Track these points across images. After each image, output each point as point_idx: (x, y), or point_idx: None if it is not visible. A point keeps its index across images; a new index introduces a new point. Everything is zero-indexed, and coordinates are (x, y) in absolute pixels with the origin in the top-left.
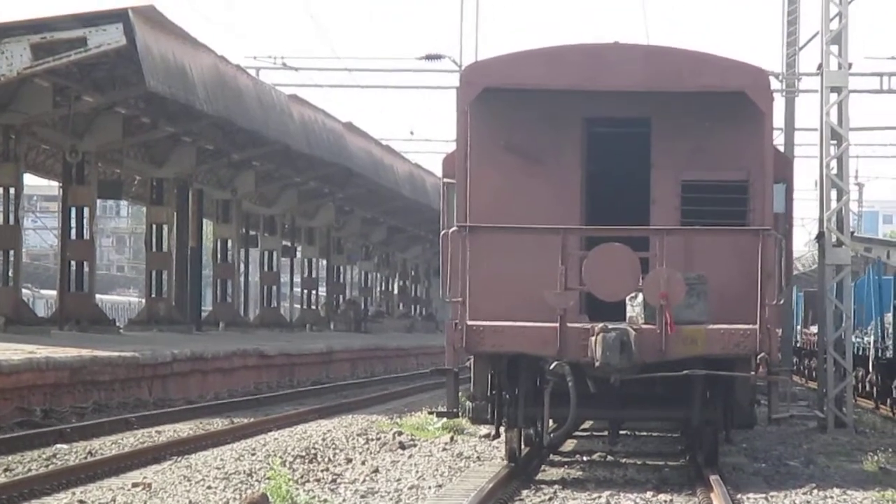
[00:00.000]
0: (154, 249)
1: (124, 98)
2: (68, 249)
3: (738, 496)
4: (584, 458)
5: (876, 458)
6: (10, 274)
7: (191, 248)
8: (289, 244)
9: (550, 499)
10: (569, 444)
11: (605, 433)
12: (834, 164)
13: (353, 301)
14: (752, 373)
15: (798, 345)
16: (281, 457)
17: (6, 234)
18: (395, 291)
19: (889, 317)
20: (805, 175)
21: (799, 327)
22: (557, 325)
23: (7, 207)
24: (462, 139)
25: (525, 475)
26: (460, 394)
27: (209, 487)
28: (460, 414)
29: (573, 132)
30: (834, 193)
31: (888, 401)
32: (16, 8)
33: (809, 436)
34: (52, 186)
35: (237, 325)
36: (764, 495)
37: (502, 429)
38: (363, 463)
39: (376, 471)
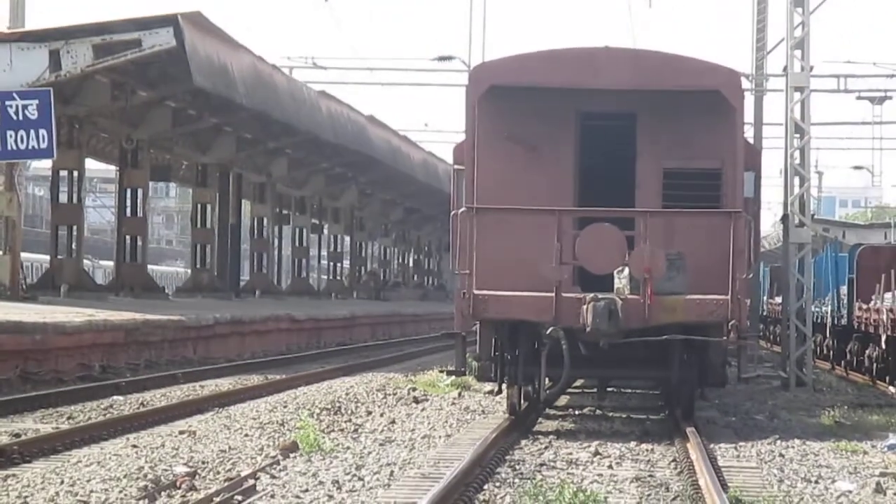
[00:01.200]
0: (199, 226)
1: (173, 93)
2: (124, 225)
3: (711, 446)
4: (576, 412)
5: (832, 413)
6: (74, 247)
7: (231, 225)
8: (317, 222)
9: (546, 447)
10: (562, 400)
11: (595, 390)
12: (797, 154)
13: (373, 272)
14: (724, 338)
15: (764, 313)
16: (309, 409)
17: (70, 212)
18: (411, 264)
19: (844, 289)
20: (772, 164)
21: (765, 298)
22: (553, 294)
23: (71, 188)
24: (470, 131)
25: (524, 427)
26: (467, 355)
27: (246, 435)
28: (467, 372)
29: (568, 125)
30: (797, 180)
31: (842, 362)
32: (80, 13)
33: (773, 393)
34: (110, 170)
35: (271, 293)
36: (734, 445)
37: (504, 386)
38: (381, 415)
39: (393, 422)
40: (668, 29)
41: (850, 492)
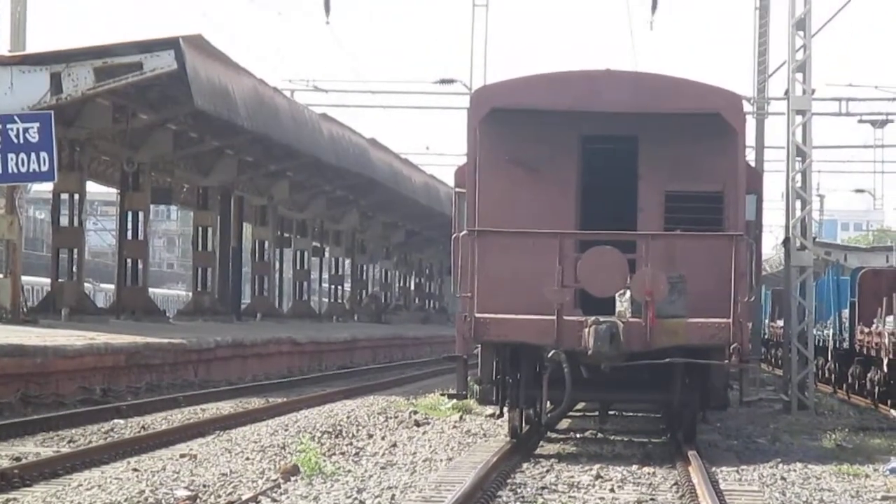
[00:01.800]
0: (200, 249)
1: (175, 115)
2: (125, 248)
3: (713, 469)
4: (578, 436)
5: (834, 436)
6: (75, 270)
7: (232, 248)
8: (318, 245)
9: (548, 471)
10: (564, 423)
11: (596, 413)
12: (798, 177)
13: (374, 295)
14: (726, 361)
15: (766, 336)
16: (310, 432)
17: (71, 235)
18: (412, 287)
19: (846, 312)
20: (773, 187)
21: (767, 321)
22: (555, 317)
23: (72, 211)
24: (472, 153)
25: (525, 450)
26: (469, 378)
27: (247, 458)
28: (469, 396)
29: (570, 148)
30: (798, 204)
31: (844, 386)
32: (81, 35)
33: (775, 416)
34: (111, 193)
35: (272, 316)
36: (735, 468)
37: (506, 409)
38: (383, 438)
39: (394, 445)
40: (669, 51)
41: None
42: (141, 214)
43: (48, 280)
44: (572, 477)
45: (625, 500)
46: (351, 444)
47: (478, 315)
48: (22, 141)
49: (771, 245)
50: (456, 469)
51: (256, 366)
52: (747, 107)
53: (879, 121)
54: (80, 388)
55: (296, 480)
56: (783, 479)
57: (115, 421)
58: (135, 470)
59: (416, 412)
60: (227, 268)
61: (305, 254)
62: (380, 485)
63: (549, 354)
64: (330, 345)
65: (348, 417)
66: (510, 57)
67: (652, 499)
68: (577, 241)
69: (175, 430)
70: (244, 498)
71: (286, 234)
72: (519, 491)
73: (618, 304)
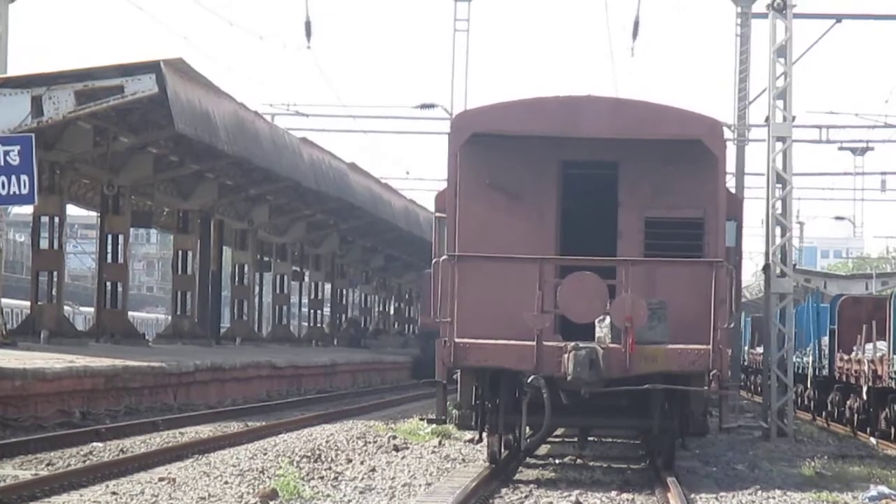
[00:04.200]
0: (180, 272)
1: (155, 139)
2: (105, 271)
3: (692, 496)
4: (557, 461)
5: (813, 463)
6: (54, 292)
7: (212, 272)
8: (298, 269)
9: (527, 496)
10: (543, 449)
11: (576, 439)
12: (779, 204)
13: (354, 320)
14: (706, 387)
15: (745, 363)
16: (289, 456)
17: (51, 258)
18: (392, 312)
19: (825, 340)
20: (753, 214)
21: (746, 348)
22: (535, 343)
23: (52, 234)
24: (452, 178)
25: (504, 475)
26: (448, 403)
27: (226, 482)
28: (448, 421)
29: (550, 173)
30: (778, 230)
31: (824, 413)
32: (63, 58)
33: (755, 443)
34: (91, 216)
35: (252, 340)
36: (715, 495)
37: (485, 434)
38: (362, 463)
39: (373, 470)
40: (650, 77)
41: None
42: (121, 237)
43: (27, 303)
44: (551, 503)
45: None
46: (330, 468)
47: (457, 340)
48: (2, 163)
49: (751, 272)
50: (435, 494)
51: (236, 390)
52: (728, 133)
53: (859, 148)
54: (59, 411)
55: None
56: None
57: (94, 444)
58: (114, 493)
59: (395, 437)
60: (207, 291)
61: (285, 278)
62: None
63: (529, 380)
64: (309, 369)
65: (327, 442)
66: (491, 82)
67: None
68: (557, 267)
69: (154, 454)
70: None
71: (266, 258)
72: None
73: (597, 329)
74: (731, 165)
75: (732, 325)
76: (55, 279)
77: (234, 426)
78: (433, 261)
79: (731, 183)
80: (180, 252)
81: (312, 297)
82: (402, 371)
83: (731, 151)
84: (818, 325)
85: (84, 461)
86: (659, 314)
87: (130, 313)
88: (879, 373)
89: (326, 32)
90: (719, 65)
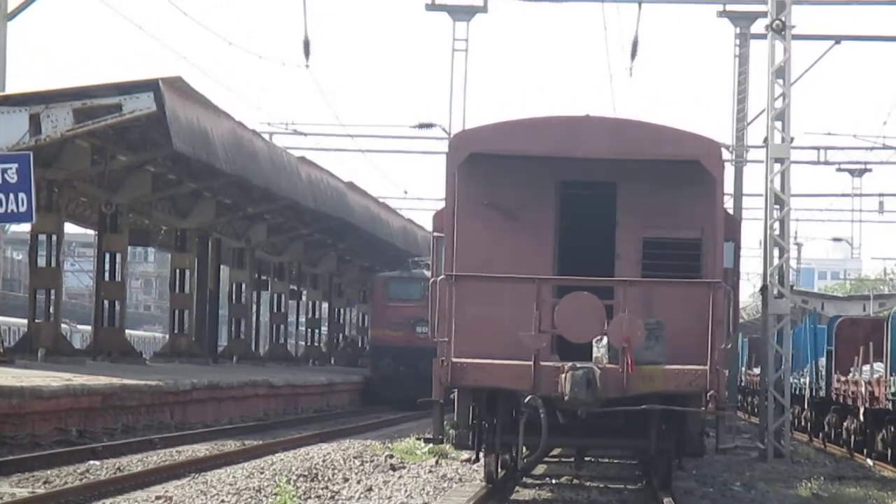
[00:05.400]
0: (177, 291)
1: (153, 157)
2: (102, 290)
3: None
4: (553, 481)
5: (810, 485)
6: (52, 310)
7: (209, 291)
8: (295, 288)
9: None
10: (540, 469)
11: (573, 459)
12: (777, 225)
13: (351, 339)
14: (703, 408)
15: (742, 384)
16: (286, 475)
17: (49, 276)
18: None
19: (822, 361)
20: (751, 235)
21: (744, 368)
22: (532, 363)
23: (50, 252)
24: (450, 198)
25: (501, 495)
26: (445, 422)
27: (223, 501)
28: (445, 440)
29: (548, 193)
30: (776, 251)
31: (820, 434)
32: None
33: (751, 464)
34: (89, 234)
35: (249, 359)
36: None
37: (482, 454)
38: (358, 482)
39: (370, 489)
40: (648, 98)
41: None
42: (118, 256)
43: (25, 321)
44: None
45: None
46: (326, 487)
47: (455, 359)
48: (0, 181)
49: (748, 293)
50: None
51: (232, 408)
52: (726, 154)
53: (857, 170)
54: (57, 429)
55: None
56: None
57: (91, 462)
58: None
59: (391, 456)
60: (204, 310)
61: (282, 297)
62: None
63: (526, 400)
64: (306, 388)
65: (324, 461)
66: (490, 102)
67: None
68: (555, 287)
69: (151, 472)
70: None
71: (263, 277)
72: None
73: (595, 349)
74: (729, 186)
75: (730, 345)
76: (52, 297)
77: (231, 445)
78: (430, 280)
79: (728, 204)
80: (178, 270)
81: (310, 316)
82: None
83: (729, 172)
84: (815, 347)
85: (81, 479)
86: (656, 334)
87: (128, 331)
88: (876, 394)
89: (325, 52)
90: (718, 85)
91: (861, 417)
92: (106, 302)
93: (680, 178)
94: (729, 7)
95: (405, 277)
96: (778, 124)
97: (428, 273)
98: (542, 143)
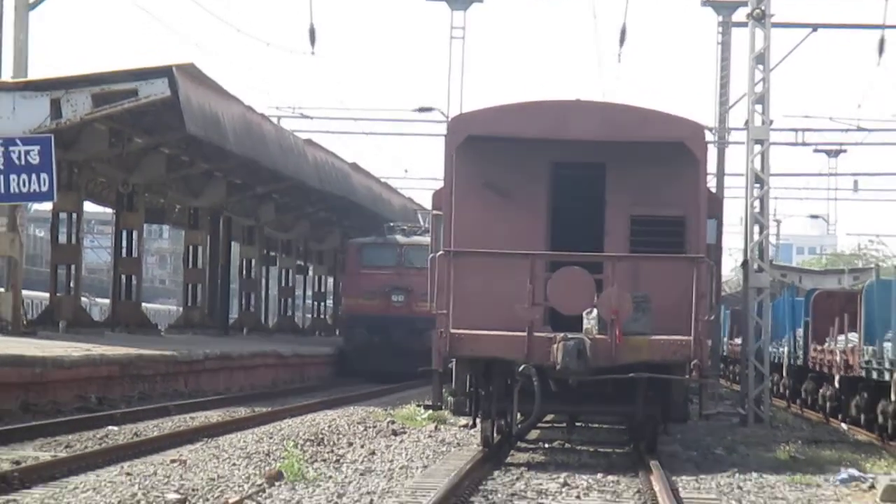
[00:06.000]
0: (190, 266)
1: (168, 140)
2: (119, 265)
3: (673, 478)
4: (546, 445)
5: (787, 448)
6: (72, 285)
7: (221, 266)
8: (302, 264)
9: (518, 478)
10: (533, 434)
11: (564, 425)
12: (757, 203)
13: None
14: (687, 376)
15: (724, 353)
16: (294, 440)
17: (69, 252)
18: None
19: (800, 331)
20: (733, 212)
21: (726, 339)
22: (526, 334)
23: (70, 229)
24: (448, 178)
25: (496, 458)
26: (444, 390)
27: (234, 464)
28: (443, 407)
29: (541, 173)
30: (756, 228)
31: (798, 401)
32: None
33: (733, 429)
34: (107, 212)
35: (258, 331)
36: (694, 478)
37: (478, 420)
38: (362, 446)
39: (373, 453)
40: (636, 82)
41: None
42: (135, 233)
43: (47, 294)
44: (541, 484)
45: None
46: (332, 451)
47: (453, 331)
48: (23, 162)
49: (730, 267)
50: (431, 476)
51: (243, 377)
52: (709, 136)
53: (834, 150)
54: (77, 397)
55: (279, 485)
56: (739, 487)
57: (110, 428)
58: (128, 474)
59: (393, 422)
60: (216, 284)
61: (290, 272)
62: (359, 490)
63: (520, 369)
64: (312, 358)
65: (329, 427)
66: (486, 86)
67: None
68: (548, 262)
69: (166, 437)
70: (231, 501)
71: (272, 253)
72: (490, 497)
73: (585, 321)
74: (712, 166)
75: (713, 317)
76: (73, 272)
77: (242, 412)
78: (430, 256)
79: (711, 183)
80: (191, 247)
81: (316, 290)
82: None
83: (712, 153)
84: (793, 318)
85: (100, 444)
86: (643, 307)
87: (144, 304)
88: (851, 363)
89: (330, 40)
90: (702, 71)
91: (836, 384)
92: (123, 276)
93: (665, 159)
94: None
95: (380, 243)
96: (758, 107)
97: (403, 238)
98: (535, 126)
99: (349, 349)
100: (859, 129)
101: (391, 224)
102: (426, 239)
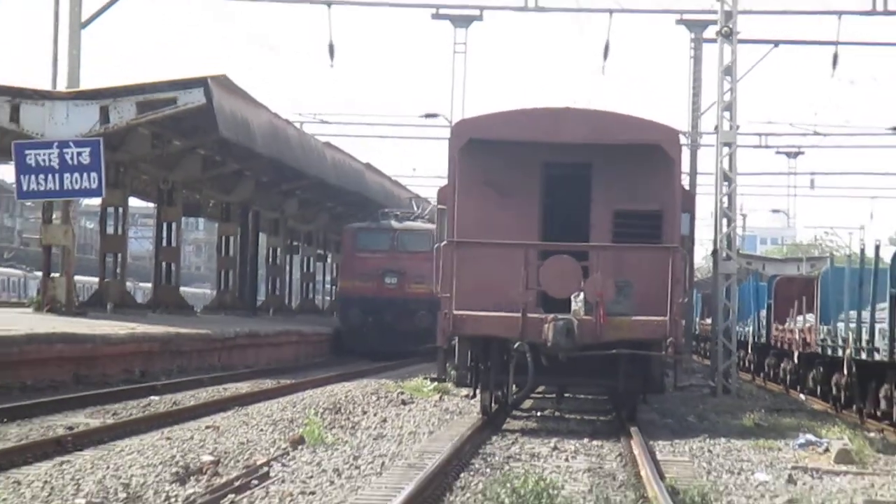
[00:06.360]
0: (223, 254)
1: (203, 142)
2: (160, 254)
3: (651, 443)
4: (538, 414)
5: (752, 416)
6: (118, 271)
7: (250, 254)
8: (322, 252)
9: (513, 443)
10: (527, 403)
11: (554, 395)
12: (725, 199)
13: None
14: (663, 352)
15: (697, 332)
16: (314, 409)
17: (116, 242)
18: None
19: (763, 312)
20: (704, 207)
21: (698, 319)
22: (520, 315)
23: (117, 222)
24: (452, 177)
25: (494, 425)
26: (447, 365)
27: (261, 430)
28: (447, 380)
29: (534, 173)
30: (725, 221)
31: (761, 374)
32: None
33: (704, 399)
34: (149, 207)
35: (283, 312)
36: (670, 442)
37: (478, 391)
38: (375, 414)
39: (385, 420)
40: (618, 91)
41: (767, 482)
42: (174, 225)
43: (96, 279)
44: (533, 448)
45: (577, 468)
46: (348, 418)
47: (455, 312)
48: (76, 163)
49: (702, 256)
50: (436, 440)
51: (269, 353)
52: (683, 139)
53: (793, 152)
54: (123, 370)
55: (302, 449)
56: (709, 451)
57: (151, 398)
58: (167, 438)
59: (402, 393)
60: (246, 270)
61: (311, 259)
62: (372, 453)
63: (515, 346)
64: (331, 336)
65: (346, 397)
66: (486, 94)
67: (600, 467)
68: (540, 251)
69: (201, 406)
70: (259, 462)
71: (295, 243)
72: (489, 459)
73: (573, 304)
74: (685, 166)
75: (686, 300)
76: (119, 260)
77: (268, 383)
78: (435, 246)
79: (685, 181)
80: (224, 237)
81: (334, 275)
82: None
83: (685, 154)
84: (757, 301)
85: (143, 412)
86: (625, 291)
87: (182, 288)
88: (808, 340)
89: (347, 54)
90: (676, 82)
91: (795, 360)
92: (164, 264)
93: (644, 160)
94: (686, 16)
95: (374, 228)
96: (726, 114)
97: (396, 223)
98: (529, 130)
99: (345, 329)
100: (816, 133)
101: (385, 210)
102: (418, 224)
